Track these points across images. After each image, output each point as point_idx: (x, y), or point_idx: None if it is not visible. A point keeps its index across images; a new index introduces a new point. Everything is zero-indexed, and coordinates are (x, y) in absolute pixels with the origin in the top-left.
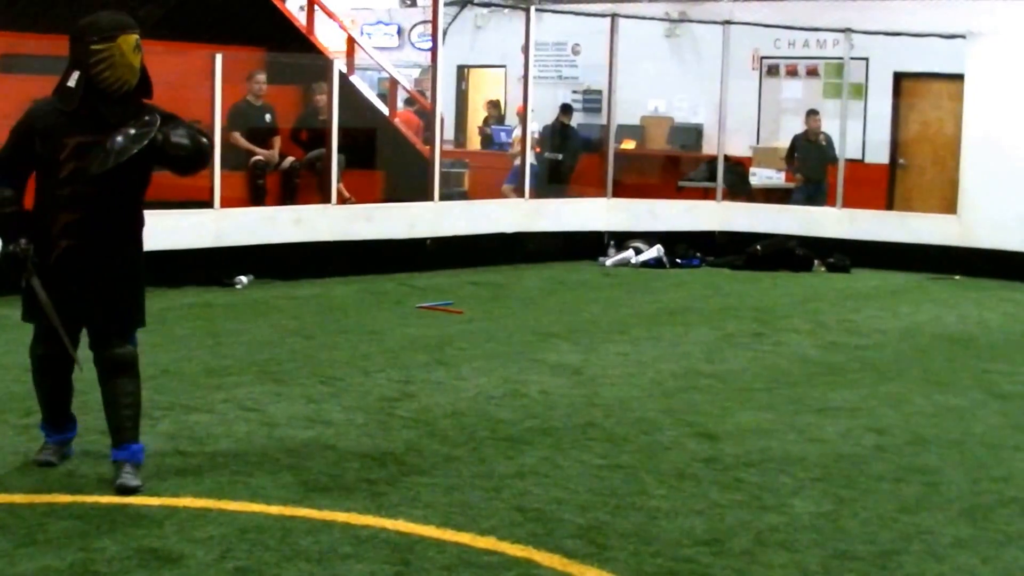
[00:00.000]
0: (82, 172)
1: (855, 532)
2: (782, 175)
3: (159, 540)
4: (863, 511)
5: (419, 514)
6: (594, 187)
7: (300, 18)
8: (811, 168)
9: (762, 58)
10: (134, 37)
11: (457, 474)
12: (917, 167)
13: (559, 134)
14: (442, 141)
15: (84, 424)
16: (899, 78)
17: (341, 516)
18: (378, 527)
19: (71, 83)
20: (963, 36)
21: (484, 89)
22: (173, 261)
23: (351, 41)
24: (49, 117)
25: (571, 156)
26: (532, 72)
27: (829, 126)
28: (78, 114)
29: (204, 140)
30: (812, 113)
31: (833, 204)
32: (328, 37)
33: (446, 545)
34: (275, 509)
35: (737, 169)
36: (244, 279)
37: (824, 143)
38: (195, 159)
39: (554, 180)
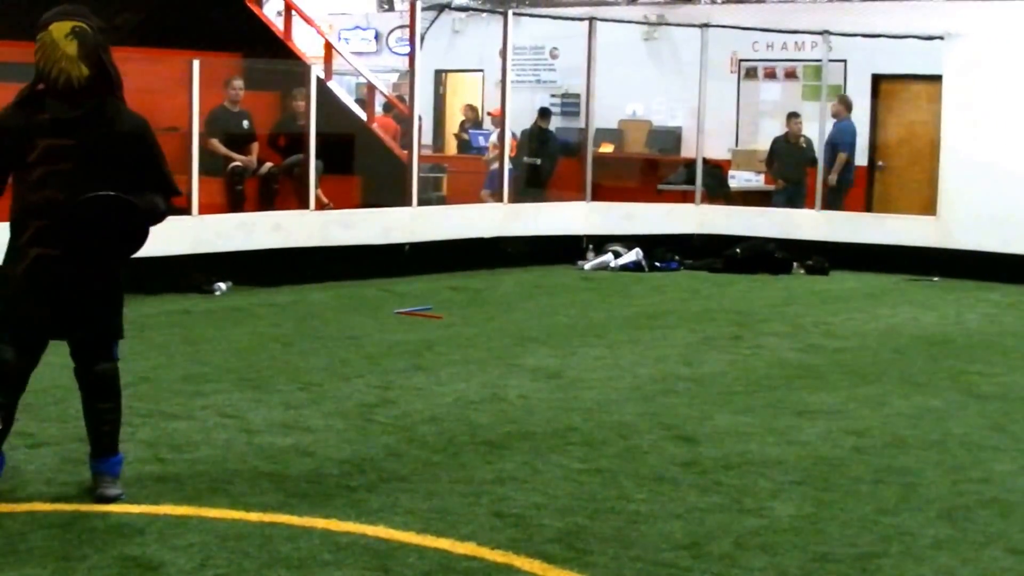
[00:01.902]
0: (53, 176)
1: (835, 534)
2: (761, 178)
3: (140, 548)
4: (843, 513)
5: (399, 520)
6: (573, 191)
7: (277, 23)
8: (791, 171)
9: (740, 61)
10: (69, 24)
11: (436, 480)
12: (896, 169)
13: (537, 138)
14: (420, 146)
15: (64, 431)
16: (877, 80)
17: (321, 523)
18: (358, 533)
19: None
20: (941, 38)
21: (462, 93)
22: (151, 268)
23: (328, 46)
24: (18, 118)
25: (549, 160)
26: (510, 76)
27: (807, 128)
28: (42, 115)
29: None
30: (793, 116)
31: (811, 206)
32: (305, 42)
33: (426, 551)
34: (255, 516)
35: (716, 172)
36: (223, 285)
37: (804, 145)
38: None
39: (533, 184)
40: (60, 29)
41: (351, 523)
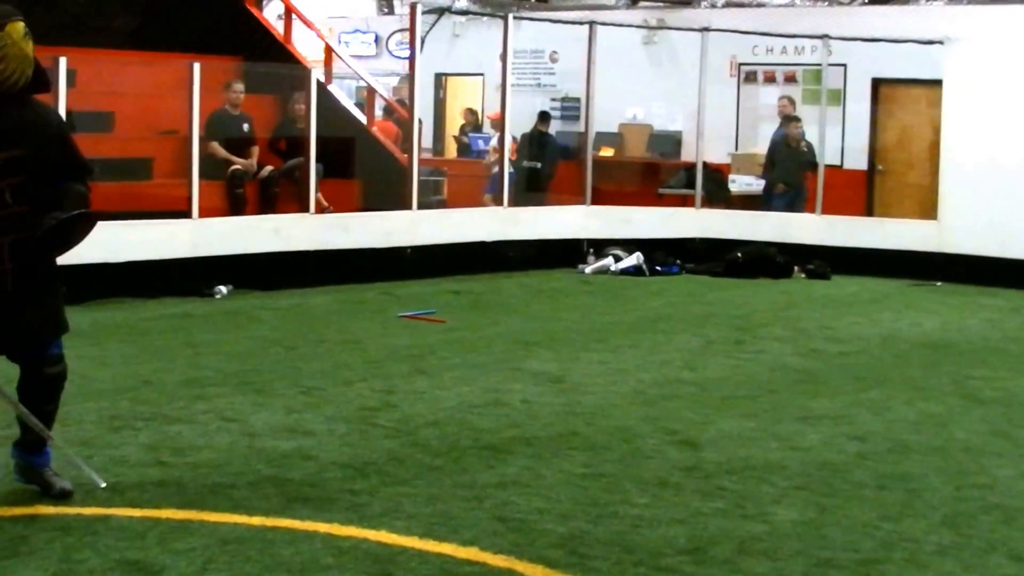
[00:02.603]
0: (14, 192)
1: (837, 540)
2: (762, 182)
3: (140, 551)
4: (845, 519)
5: (401, 524)
6: (573, 195)
7: (278, 27)
8: (791, 174)
9: (740, 65)
10: (21, 24)
11: (439, 484)
12: (896, 173)
13: (537, 142)
14: (420, 149)
15: (66, 435)
16: (877, 84)
17: (322, 527)
18: (359, 538)
19: None
20: (941, 42)
21: (462, 97)
22: (151, 271)
23: (329, 50)
24: None
25: (549, 164)
26: (510, 80)
27: (808, 132)
28: None
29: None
30: (792, 120)
31: (811, 211)
32: (306, 46)
33: (428, 556)
34: (256, 520)
35: (716, 176)
36: (223, 289)
37: (805, 149)
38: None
39: (533, 188)
40: (17, 28)
41: (353, 527)
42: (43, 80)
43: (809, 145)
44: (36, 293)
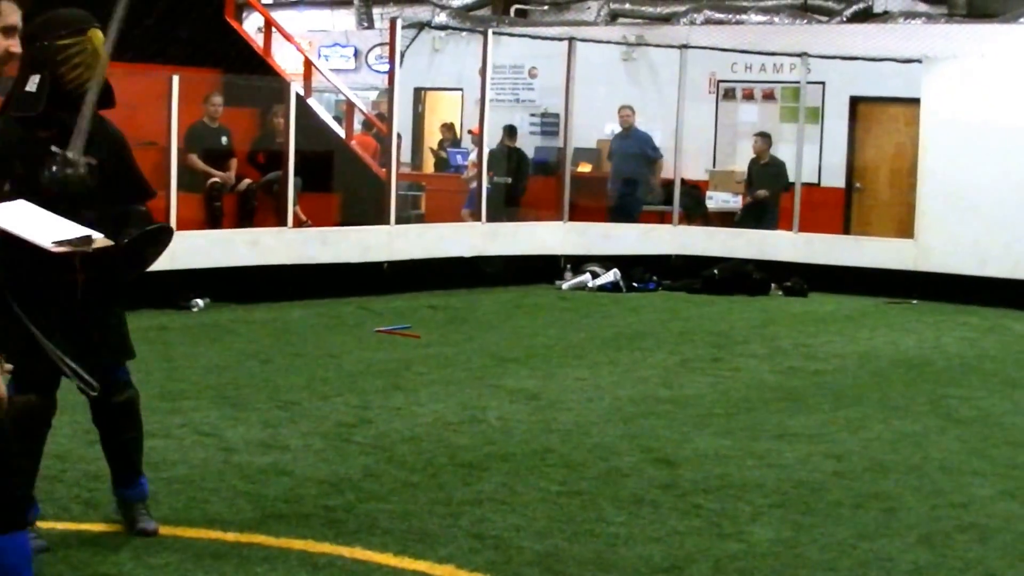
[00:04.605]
0: (85, 195)
1: (814, 559)
2: (739, 199)
3: (115, 567)
4: (822, 538)
5: (377, 541)
6: (550, 210)
7: (257, 40)
8: (760, 191)
9: (719, 82)
10: (101, 33)
11: (415, 501)
12: (874, 191)
13: (506, 157)
14: (399, 164)
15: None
16: (855, 102)
17: (298, 543)
18: (335, 554)
19: (31, 87)
20: (919, 61)
21: (441, 112)
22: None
23: (308, 63)
24: (12, 133)
25: (520, 178)
26: (489, 95)
27: (785, 150)
28: (42, 124)
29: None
30: (758, 136)
31: (788, 228)
32: (285, 59)
33: (404, 573)
34: (232, 536)
35: (693, 193)
36: (200, 302)
37: (773, 166)
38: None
39: (510, 203)
40: (98, 37)
41: (328, 544)
42: (109, 96)
43: (778, 162)
44: (103, 314)
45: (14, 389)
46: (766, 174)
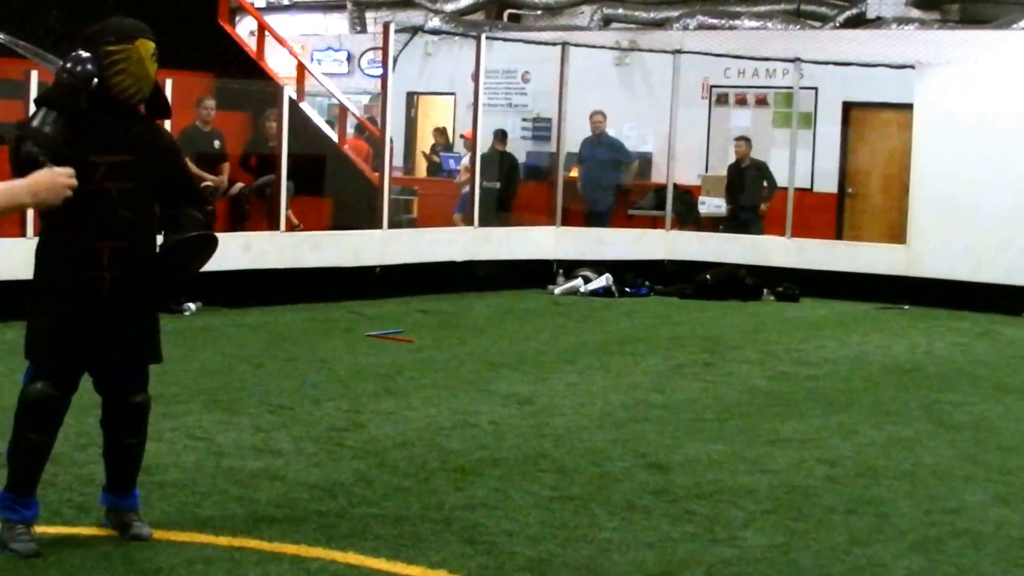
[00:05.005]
0: (120, 195)
1: (807, 565)
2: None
3: (107, 571)
4: (815, 543)
5: (369, 546)
6: (541, 215)
7: (250, 44)
8: (743, 196)
9: (712, 87)
10: (152, 44)
11: (407, 506)
12: (866, 196)
13: (496, 162)
14: (391, 168)
15: None
16: (848, 107)
17: (290, 548)
18: (327, 559)
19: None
20: (912, 66)
21: (433, 116)
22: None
23: (301, 67)
24: (64, 132)
25: (508, 182)
26: (482, 99)
27: (778, 155)
28: (93, 130)
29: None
30: (738, 139)
31: (781, 233)
32: (278, 63)
33: None
34: (223, 540)
35: (685, 197)
36: (192, 306)
37: (754, 169)
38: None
39: (501, 208)
40: (146, 47)
41: (321, 548)
42: (163, 105)
43: (760, 165)
44: (138, 312)
45: (31, 373)
46: (748, 177)
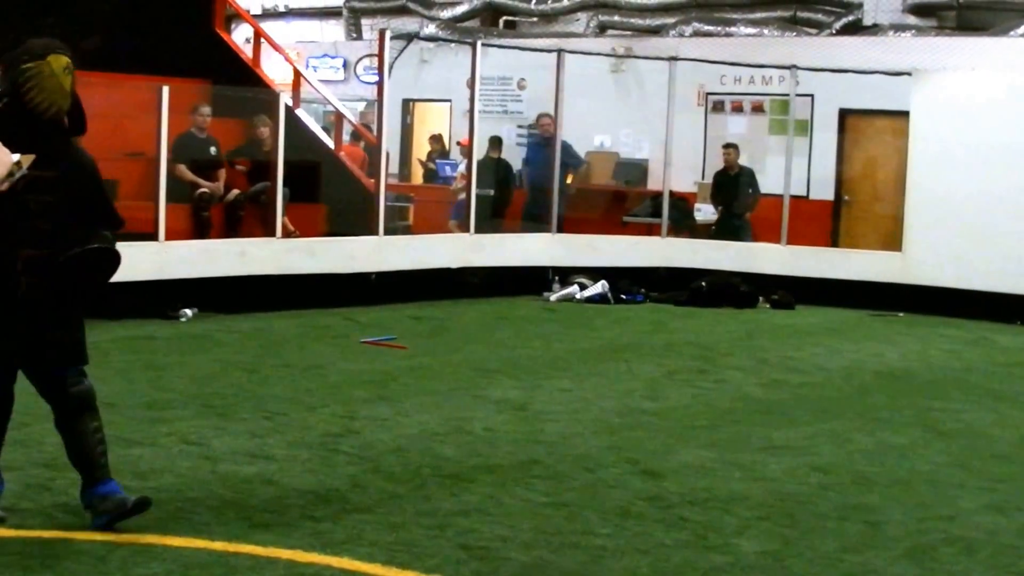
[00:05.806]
0: (39, 207)
1: (800, 572)
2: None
3: None
4: (808, 550)
5: (363, 552)
6: (537, 222)
7: (246, 51)
8: (732, 202)
9: (707, 94)
10: (65, 59)
11: (401, 511)
12: (861, 204)
13: (491, 169)
14: (387, 175)
15: (28, 456)
16: (844, 115)
17: (285, 553)
18: (322, 564)
19: None
20: (908, 73)
21: (429, 123)
22: (115, 293)
23: (297, 74)
24: None
25: (503, 189)
26: (478, 106)
27: (774, 162)
28: (12, 144)
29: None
30: (727, 146)
31: (776, 241)
32: (274, 70)
33: None
34: (218, 545)
35: (681, 205)
36: (188, 312)
37: (743, 176)
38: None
39: (495, 215)
40: (58, 62)
41: (315, 554)
42: (80, 122)
43: (747, 172)
44: (50, 318)
45: None
46: (741, 184)
